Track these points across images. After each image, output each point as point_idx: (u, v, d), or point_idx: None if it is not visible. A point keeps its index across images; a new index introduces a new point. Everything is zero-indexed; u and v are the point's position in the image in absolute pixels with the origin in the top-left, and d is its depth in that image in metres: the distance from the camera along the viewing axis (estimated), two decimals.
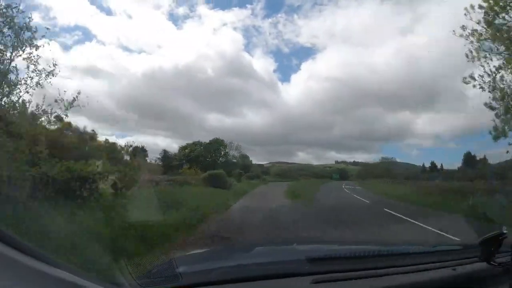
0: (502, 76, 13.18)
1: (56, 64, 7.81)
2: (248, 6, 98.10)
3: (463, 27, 14.04)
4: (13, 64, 7.73)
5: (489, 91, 13.29)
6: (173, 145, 48.16)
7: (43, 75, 7.67)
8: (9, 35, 7.52)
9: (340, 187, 32.36)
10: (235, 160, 42.59)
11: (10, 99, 7.58)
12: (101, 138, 21.29)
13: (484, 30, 13.37)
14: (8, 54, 7.55)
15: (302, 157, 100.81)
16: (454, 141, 73.15)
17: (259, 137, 73.73)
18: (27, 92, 7.73)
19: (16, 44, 7.51)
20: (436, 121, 73.49)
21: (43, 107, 8.08)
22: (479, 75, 14.40)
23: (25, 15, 7.67)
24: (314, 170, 65.76)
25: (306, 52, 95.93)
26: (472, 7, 12.86)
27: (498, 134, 12.52)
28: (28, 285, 0.73)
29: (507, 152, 12.33)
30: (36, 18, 74.75)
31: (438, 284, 1.30)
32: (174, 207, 8.05)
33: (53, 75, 7.79)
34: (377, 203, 16.49)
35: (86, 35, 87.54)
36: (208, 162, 43.32)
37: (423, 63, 71.51)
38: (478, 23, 13.61)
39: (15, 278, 0.71)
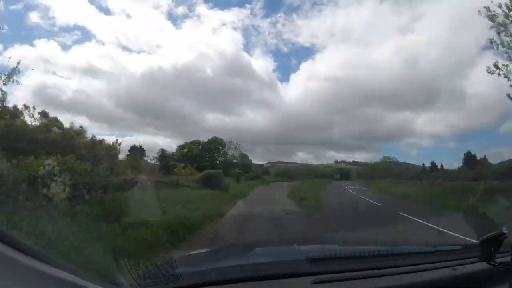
0: None
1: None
2: (247, 6, 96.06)
3: (488, 9, 12.40)
4: None
5: None
6: (172, 145, 47.10)
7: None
8: None
9: (345, 188, 30.52)
10: (235, 161, 40.65)
11: None
12: (92, 135, 19.32)
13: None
14: None
15: (302, 156, 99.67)
16: (453, 141, 71.77)
17: (259, 137, 72.79)
18: None
19: None
20: (435, 120, 72.40)
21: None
22: (503, 64, 12.68)
23: None
24: (314, 170, 64.37)
25: (305, 52, 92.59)
26: None
27: None
28: (28, 285, 0.72)
29: None
30: (35, 18, 74.11)
31: (438, 284, 1.27)
32: (147, 221, 6.05)
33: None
34: (390, 206, 15.12)
35: (85, 35, 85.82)
36: (207, 162, 41.74)
37: (422, 62, 70.02)
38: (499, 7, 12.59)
39: (15, 278, 0.70)
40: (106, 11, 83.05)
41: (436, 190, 20.30)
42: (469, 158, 42.65)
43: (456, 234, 6.80)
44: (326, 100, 77.02)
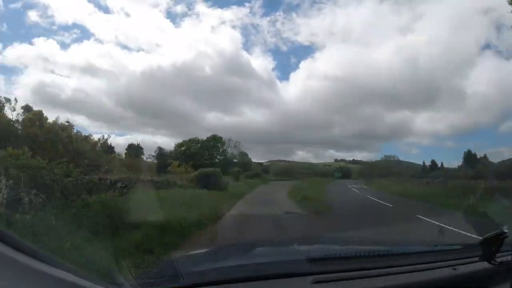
0: None
1: None
2: (247, 4, 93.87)
3: None
4: None
5: None
6: (172, 144, 45.94)
7: None
8: None
9: (348, 187, 28.93)
10: (236, 160, 38.99)
11: None
12: (77, 130, 17.66)
13: None
14: None
15: (301, 155, 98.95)
16: (452, 140, 71.00)
17: (258, 136, 71.89)
18: None
19: None
20: (435, 120, 71.79)
21: None
22: None
23: None
24: (314, 169, 63.40)
25: (305, 51, 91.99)
26: None
27: None
28: (28, 285, 0.70)
29: None
30: (34, 16, 72.74)
31: (439, 283, 1.26)
32: (127, 226, 4.69)
33: None
34: (402, 206, 13.79)
35: (84, 34, 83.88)
36: (206, 160, 40.24)
37: (422, 62, 69.09)
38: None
39: (15, 278, 0.68)
40: (105, 10, 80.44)
41: (442, 190, 19.32)
42: (469, 157, 41.71)
43: None
44: (326, 99, 75.90)
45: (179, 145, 41.65)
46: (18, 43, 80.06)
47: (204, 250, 2.43)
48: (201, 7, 77.17)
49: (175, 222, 6.15)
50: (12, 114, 16.78)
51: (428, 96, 69.57)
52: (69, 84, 65.35)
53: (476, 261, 1.35)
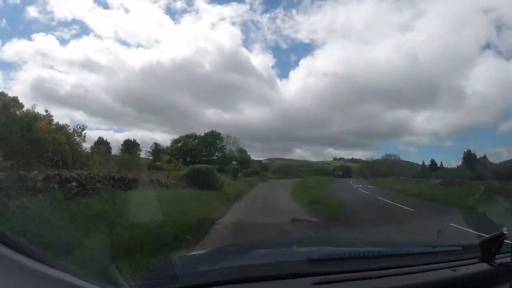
0: None
1: None
2: (246, 0, 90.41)
3: None
4: None
5: None
6: (170, 140, 44.37)
7: None
8: None
9: (353, 187, 26.55)
10: (236, 160, 36.55)
11: None
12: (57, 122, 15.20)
13: None
14: None
15: (300, 153, 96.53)
16: (451, 140, 69.78)
17: (257, 133, 70.05)
18: None
19: None
20: (434, 119, 71.44)
21: None
22: None
23: None
24: (313, 167, 62.23)
25: (304, 48, 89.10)
26: None
27: None
28: (27, 286, 0.69)
29: None
30: (33, 12, 70.65)
31: (439, 284, 1.23)
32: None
33: None
34: (426, 212, 11.60)
35: (84, 29, 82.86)
36: (203, 157, 38.08)
37: (422, 60, 67.58)
38: None
39: (13, 278, 0.67)
40: (105, 5, 79.74)
41: (454, 191, 17.58)
42: (469, 157, 39.83)
43: None
44: (325, 97, 74.44)
45: (175, 141, 39.28)
46: (17, 38, 78.89)
47: (203, 251, 2.39)
48: (200, 3, 74.84)
49: (127, 241, 3.79)
50: None
51: (428, 95, 69.30)
52: (68, 80, 63.63)
53: (476, 263, 1.30)
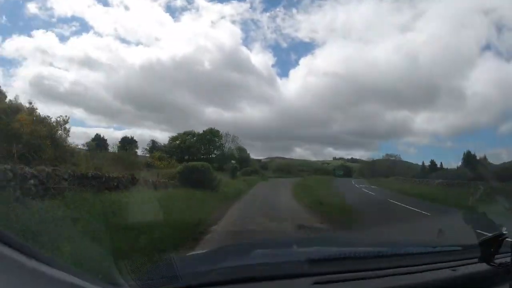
0: None
1: None
2: None
3: None
4: None
5: None
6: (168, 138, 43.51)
7: None
8: None
9: (357, 187, 25.29)
10: (235, 159, 35.21)
11: None
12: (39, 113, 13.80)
13: None
14: None
15: (300, 152, 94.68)
16: (451, 141, 68.43)
17: (257, 132, 68.49)
18: None
19: None
20: (434, 119, 68.93)
21: None
22: None
23: None
24: (312, 166, 61.20)
25: (305, 47, 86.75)
26: None
27: None
28: (27, 286, 0.68)
29: None
30: (33, 8, 69.33)
31: (438, 284, 1.21)
32: None
33: None
34: (444, 216, 10.11)
35: (83, 26, 78.92)
36: (202, 155, 36.76)
37: (422, 61, 66.41)
38: None
39: (14, 278, 0.66)
40: (105, 3, 77.10)
41: (460, 192, 16.45)
42: (469, 158, 38.69)
43: None
44: (325, 96, 73.28)
45: (173, 139, 37.83)
46: (17, 35, 76.12)
47: (203, 251, 2.38)
48: (201, 1, 72.92)
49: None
50: None
51: (428, 95, 68.38)
52: (68, 77, 62.17)
53: (475, 263, 1.29)
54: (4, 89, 15.83)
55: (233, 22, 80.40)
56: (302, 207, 10.52)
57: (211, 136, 38.18)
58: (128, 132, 66.37)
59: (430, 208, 11.86)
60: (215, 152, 38.32)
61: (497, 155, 64.37)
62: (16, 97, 13.88)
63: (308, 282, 1.10)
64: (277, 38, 76.42)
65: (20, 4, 57.93)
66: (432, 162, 48.15)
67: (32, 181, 5.12)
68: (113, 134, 74.52)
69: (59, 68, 67.87)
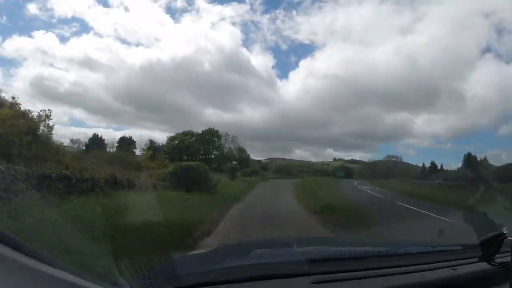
0: None
1: None
2: (247, 1, 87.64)
3: None
4: None
5: None
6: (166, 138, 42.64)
7: None
8: None
9: (361, 189, 24.07)
10: (235, 159, 34.01)
11: None
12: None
13: None
14: None
15: (299, 154, 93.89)
16: (451, 142, 67.87)
17: (257, 133, 67.68)
18: None
19: None
20: (434, 121, 68.43)
21: None
22: None
23: None
24: (312, 167, 60.09)
25: (305, 49, 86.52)
26: None
27: None
28: (27, 286, 0.67)
29: None
30: (34, 9, 68.44)
31: (439, 284, 1.18)
32: None
33: None
34: (459, 220, 8.71)
35: (84, 27, 78.99)
36: (201, 155, 35.59)
37: (422, 63, 66.15)
38: None
39: (14, 278, 0.65)
40: (105, 4, 75.90)
41: (461, 192, 15.16)
42: (470, 160, 38.49)
43: None
44: (325, 98, 72.66)
45: (172, 138, 36.57)
46: (17, 35, 75.93)
47: (204, 251, 2.39)
48: (201, 3, 72.43)
49: None
50: None
51: (428, 97, 67.80)
52: (68, 78, 62.03)
53: (476, 262, 1.28)
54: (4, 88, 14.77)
55: (233, 23, 79.95)
56: (308, 213, 9.28)
57: (210, 136, 37.00)
58: (128, 132, 65.48)
59: (442, 211, 10.63)
60: (214, 152, 37.19)
61: (497, 157, 63.33)
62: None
63: (307, 281, 1.08)
64: (277, 40, 75.70)
65: (20, 4, 57.39)
66: (433, 164, 47.41)
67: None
68: (112, 135, 73.69)
69: (59, 69, 67.49)
